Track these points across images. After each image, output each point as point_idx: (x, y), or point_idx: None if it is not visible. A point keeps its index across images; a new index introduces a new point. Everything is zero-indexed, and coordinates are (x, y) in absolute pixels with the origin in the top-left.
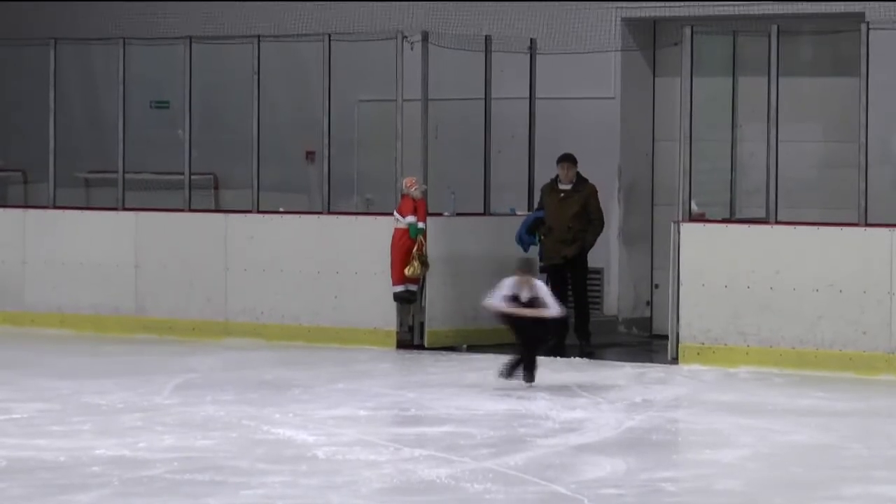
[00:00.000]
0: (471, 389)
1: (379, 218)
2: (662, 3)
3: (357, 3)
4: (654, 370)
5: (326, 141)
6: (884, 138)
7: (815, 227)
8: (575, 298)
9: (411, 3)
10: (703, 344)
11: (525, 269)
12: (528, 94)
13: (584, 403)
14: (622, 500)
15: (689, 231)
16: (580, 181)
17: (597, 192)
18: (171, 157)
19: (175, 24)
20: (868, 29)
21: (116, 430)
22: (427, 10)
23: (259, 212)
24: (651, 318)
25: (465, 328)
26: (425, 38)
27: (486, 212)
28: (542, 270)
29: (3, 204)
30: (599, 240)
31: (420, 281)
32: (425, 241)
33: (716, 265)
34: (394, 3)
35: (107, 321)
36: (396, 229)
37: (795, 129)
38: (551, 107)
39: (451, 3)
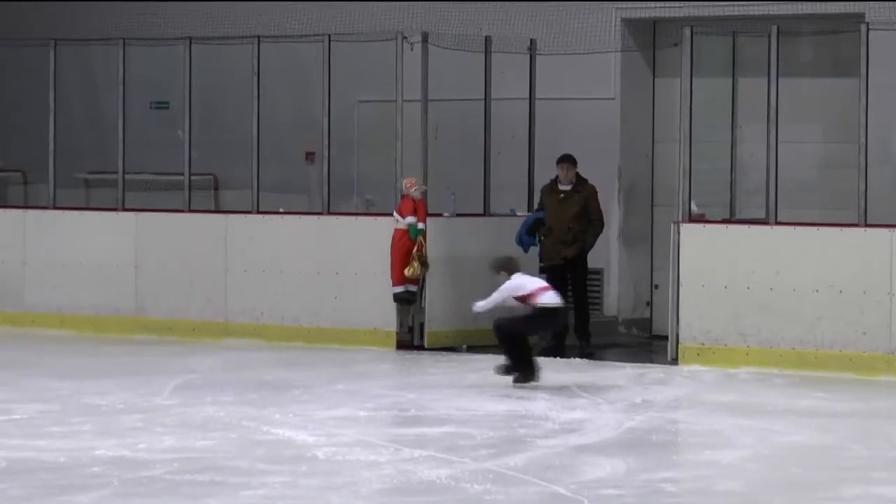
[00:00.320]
0: (471, 390)
1: (379, 218)
2: (662, 4)
3: (357, 3)
4: (654, 371)
5: (326, 141)
6: (884, 139)
7: (814, 228)
8: (575, 299)
9: (411, 3)
10: (703, 344)
11: (495, 268)
12: (527, 95)
13: (584, 404)
14: (622, 501)
15: (688, 232)
16: (580, 182)
17: (597, 192)
18: (171, 157)
19: (175, 25)
20: (868, 29)
21: (116, 430)
22: (427, 11)
23: (259, 212)
24: (651, 318)
25: (465, 329)
26: (425, 38)
27: (486, 212)
28: (542, 271)
29: (3, 204)
30: (599, 240)
31: (420, 281)
32: (425, 241)
33: (716, 266)
34: (394, 3)
35: (107, 322)
36: (396, 230)
37: (795, 129)
38: (551, 107)
39: (451, 3)
